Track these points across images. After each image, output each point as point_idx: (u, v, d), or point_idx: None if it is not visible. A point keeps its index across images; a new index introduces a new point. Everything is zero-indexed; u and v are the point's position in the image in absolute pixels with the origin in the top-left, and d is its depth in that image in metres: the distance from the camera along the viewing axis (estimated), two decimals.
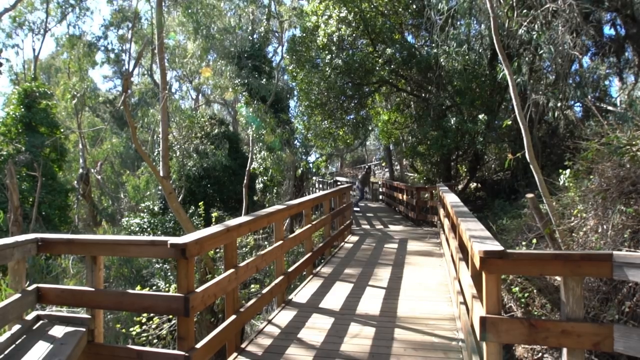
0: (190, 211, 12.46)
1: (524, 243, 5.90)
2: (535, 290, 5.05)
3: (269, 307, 5.37)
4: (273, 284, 4.74)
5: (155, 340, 6.17)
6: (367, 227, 11.85)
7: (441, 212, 7.75)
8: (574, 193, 4.95)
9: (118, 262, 10.93)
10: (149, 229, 12.53)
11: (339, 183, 18.43)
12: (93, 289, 3.05)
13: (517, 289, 5.14)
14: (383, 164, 28.84)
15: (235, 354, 3.57)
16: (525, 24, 8.35)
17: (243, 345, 3.74)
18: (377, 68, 13.77)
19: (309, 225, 6.21)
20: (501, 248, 2.48)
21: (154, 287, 9.22)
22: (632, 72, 11.41)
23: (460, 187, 14.80)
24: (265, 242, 9.98)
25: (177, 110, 16.89)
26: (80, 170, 21.30)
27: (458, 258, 4.30)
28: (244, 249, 8.88)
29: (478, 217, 4.69)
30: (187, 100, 29.77)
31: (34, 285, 3.07)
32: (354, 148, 29.92)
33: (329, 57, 13.92)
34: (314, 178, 19.62)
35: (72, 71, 24.11)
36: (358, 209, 15.71)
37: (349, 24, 13.62)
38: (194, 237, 3.00)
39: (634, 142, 4.27)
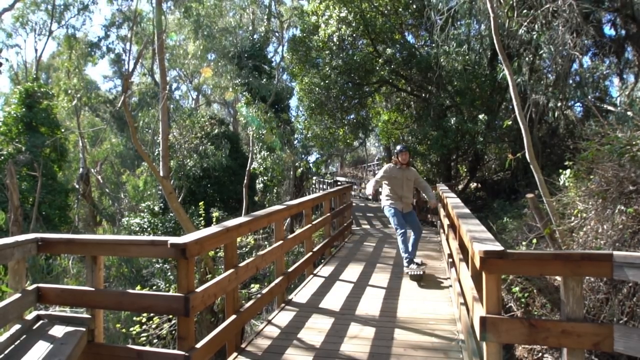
0: (191, 211, 12.46)
1: (524, 243, 5.90)
2: (535, 290, 5.05)
3: (269, 307, 5.37)
4: (273, 284, 4.74)
5: (155, 340, 6.17)
6: (367, 227, 11.85)
7: (441, 212, 7.75)
8: (574, 193, 4.94)
9: (118, 262, 10.94)
10: (149, 229, 12.54)
11: (339, 183, 18.43)
12: (93, 289, 3.05)
13: (517, 289, 5.14)
14: (383, 164, 28.84)
15: (235, 354, 3.57)
16: (525, 24, 8.35)
17: (243, 345, 3.74)
18: (377, 68, 13.77)
19: (309, 225, 6.21)
20: (501, 248, 2.48)
21: (154, 287, 9.22)
22: (632, 72, 11.41)
23: (460, 187, 14.81)
24: (265, 242, 9.99)
25: (178, 110, 16.89)
26: (80, 170, 21.32)
27: (458, 258, 4.30)
28: (244, 249, 8.88)
29: (478, 217, 4.69)
30: (187, 100, 29.78)
31: (34, 285, 3.07)
32: (354, 148, 29.93)
33: (329, 57, 13.93)
34: (314, 178, 19.63)
35: (69, 70, 24.09)
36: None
37: (349, 24, 13.63)
38: (194, 237, 3.00)
39: (634, 142, 4.26)
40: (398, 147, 6.20)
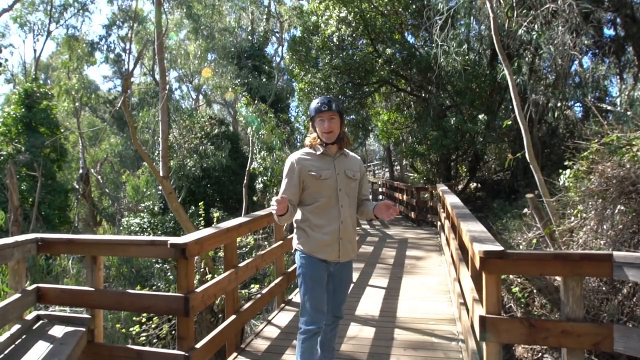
0: (190, 211, 12.46)
1: (524, 243, 5.90)
2: (535, 290, 5.05)
3: (268, 307, 5.36)
4: (273, 284, 4.74)
5: (155, 340, 6.17)
6: (367, 227, 11.85)
7: (441, 212, 7.75)
8: (574, 193, 4.94)
9: (118, 262, 10.92)
10: (149, 229, 12.54)
11: None
12: (93, 289, 3.05)
13: (517, 289, 5.14)
14: (383, 164, 28.87)
15: (235, 354, 3.57)
16: (525, 24, 8.35)
17: (243, 345, 3.74)
18: (377, 68, 13.77)
19: None
20: (501, 248, 2.48)
21: (154, 287, 9.21)
22: (632, 72, 11.42)
23: (460, 187, 14.81)
24: (265, 242, 9.96)
25: (178, 111, 16.89)
26: (80, 170, 21.31)
27: (458, 258, 4.30)
28: (244, 249, 8.87)
29: (478, 217, 4.69)
30: (187, 100, 29.77)
31: (34, 285, 3.07)
32: (354, 148, 29.92)
33: (329, 57, 13.92)
34: None
35: (69, 70, 24.07)
36: None
37: (349, 24, 13.63)
38: (194, 237, 3.00)
39: (634, 142, 4.26)
40: (316, 103, 2.61)
